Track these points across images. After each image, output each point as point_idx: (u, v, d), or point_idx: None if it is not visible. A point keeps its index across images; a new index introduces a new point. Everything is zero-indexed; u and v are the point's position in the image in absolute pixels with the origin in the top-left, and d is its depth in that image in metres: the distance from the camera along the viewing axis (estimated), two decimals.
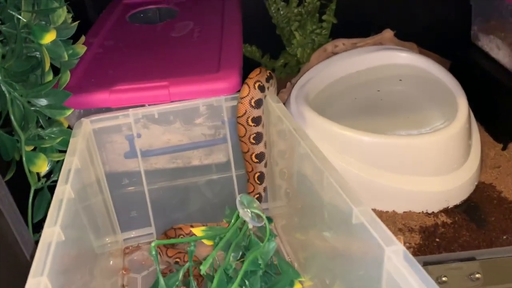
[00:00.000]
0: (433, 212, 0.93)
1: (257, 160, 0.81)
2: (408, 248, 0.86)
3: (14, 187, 0.71)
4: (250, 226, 0.66)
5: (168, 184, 0.86)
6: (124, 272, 0.81)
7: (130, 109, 0.77)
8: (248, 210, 0.65)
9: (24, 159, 0.71)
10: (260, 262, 0.62)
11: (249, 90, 0.75)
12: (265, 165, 0.83)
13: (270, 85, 0.79)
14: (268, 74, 0.79)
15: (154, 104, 0.80)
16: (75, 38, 0.81)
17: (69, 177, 0.58)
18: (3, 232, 0.69)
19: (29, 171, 0.71)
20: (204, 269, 0.56)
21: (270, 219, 0.76)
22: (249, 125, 0.77)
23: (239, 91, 0.79)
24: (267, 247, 0.65)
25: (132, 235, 0.89)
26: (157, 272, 0.61)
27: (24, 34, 0.69)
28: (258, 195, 0.84)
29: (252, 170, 0.82)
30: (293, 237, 0.80)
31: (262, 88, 0.77)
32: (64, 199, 0.54)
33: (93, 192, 0.72)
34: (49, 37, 0.67)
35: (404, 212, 0.93)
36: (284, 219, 0.84)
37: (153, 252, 0.59)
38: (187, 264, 0.64)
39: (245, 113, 0.76)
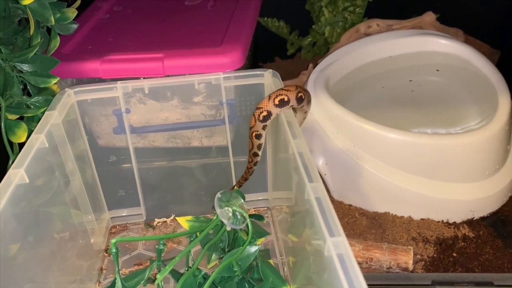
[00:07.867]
0: (454, 222, 0.83)
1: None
2: (419, 261, 0.77)
3: None
4: (228, 228, 0.58)
5: (161, 164, 0.80)
6: (106, 254, 0.76)
7: (118, 82, 0.70)
8: (229, 209, 0.58)
9: (3, 127, 0.66)
10: (236, 269, 0.55)
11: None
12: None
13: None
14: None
15: (150, 77, 0.73)
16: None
17: (26, 160, 0.52)
18: None
19: (8, 141, 0.67)
20: (159, 279, 0.50)
21: (261, 217, 0.69)
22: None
23: (239, 68, 0.71)
24: (247, 252, 0.57)
25: (123, 214, 0.84)
26: (116, 272, 0.54)
27: None
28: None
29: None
30: (287, 236, 0.72)
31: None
32: (13, 184, 0.49)
33: (71, 168, 0.67)
34: None
35: (421, 219, 0.84)
36: (282, 213, 0.76)
37: (113, 250, 0.53)
38: (154, 263, 0.58)
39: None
